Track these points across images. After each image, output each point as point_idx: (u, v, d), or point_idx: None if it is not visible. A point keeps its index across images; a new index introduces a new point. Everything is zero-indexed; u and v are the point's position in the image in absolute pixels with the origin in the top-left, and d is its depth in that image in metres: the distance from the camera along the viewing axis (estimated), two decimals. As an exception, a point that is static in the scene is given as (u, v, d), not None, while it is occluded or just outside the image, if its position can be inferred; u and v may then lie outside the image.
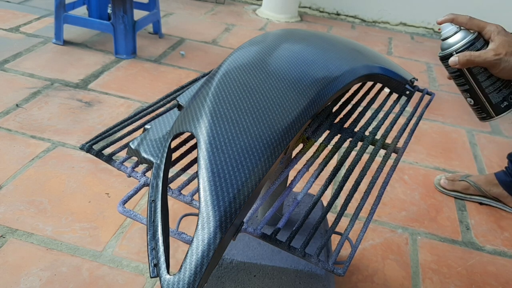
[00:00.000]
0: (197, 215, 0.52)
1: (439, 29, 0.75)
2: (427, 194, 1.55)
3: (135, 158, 0.65)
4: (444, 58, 0.74)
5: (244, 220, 0.56)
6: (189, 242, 0.51)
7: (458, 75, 0.74)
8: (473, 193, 1.53)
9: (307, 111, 0.65)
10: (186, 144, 0.71)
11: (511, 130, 2.05)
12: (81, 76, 2.04)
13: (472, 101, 0.75)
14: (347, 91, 0.84)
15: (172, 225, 0.61)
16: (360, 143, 0.77)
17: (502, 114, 0.75)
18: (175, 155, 0.67)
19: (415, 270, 1.25)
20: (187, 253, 0.46)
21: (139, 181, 0.62)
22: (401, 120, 1.88)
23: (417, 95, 0.97)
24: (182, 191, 0.62)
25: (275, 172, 0.77)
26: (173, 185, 1.24)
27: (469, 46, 0.70)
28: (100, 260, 1.16)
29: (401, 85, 0.92)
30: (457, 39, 0.72)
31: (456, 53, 0.71)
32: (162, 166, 0.55)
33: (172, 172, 1.20)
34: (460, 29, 0.73)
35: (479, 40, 0.71)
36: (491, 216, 1.49)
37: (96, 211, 1.31)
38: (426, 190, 1.57)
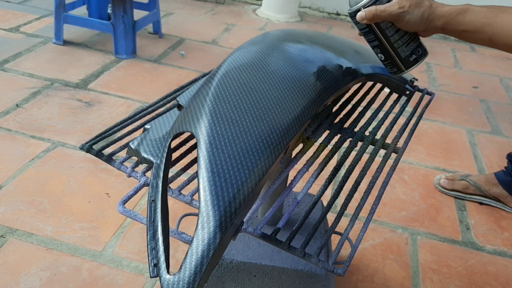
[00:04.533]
0: (197, 215, 0.52)
1: None
2: (427, 194, 1.55)
3: (135, 158, 0.65)
4: (353, 14, 0.73)
5: (244, 220, 0.56)
6: (189, 242, 0.51)
7: (367, 31, 0.74)
8: (473, 192, 1.53)
9: (307, 111, 0.65)
10: (186, 144, 0.71)
11: (511, 130, 2.05)
12: (81, 76, 2.04)
13: (383, 56, 0.76)
14: (347, 91, 0.84)
15: (172, 225, 0.61)
16: (360, 143, 0.77)
17: (411, 68, 0.76)
18: (175, 155, 0.67)
19: (415, 270, 1.25)
20: (187, 253, 0.46)
21: (139, 181, 0.62)
22: (401, 120, 1.88)
23: (417, 95, 0.97)
24: (182, 191, 0.62)
25: (275, 172, 0.77)
26: (173, 185, 1.24)
27: (376, 1, 0.70)
28: (100, 260, 1.16)
29: (401, 85, 0.92)
30: None
31: (364, 8, 0.71)
32: (162, 166, 0.55)
33: (172, 172, 1.20)
34: None
35: None
36: (491, 216, 1.49)
37: (96, 211, 1.31)
38: (426, 190, 1.57)
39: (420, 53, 0.75)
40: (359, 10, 0.72)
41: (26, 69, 2.02)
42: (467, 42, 0.78)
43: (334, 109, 0.82)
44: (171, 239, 0.52)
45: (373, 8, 0.70)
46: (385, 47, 0.74)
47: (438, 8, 0.70)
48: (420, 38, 0.75)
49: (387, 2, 0.70)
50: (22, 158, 1.48)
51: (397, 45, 0.73)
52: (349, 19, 3.34)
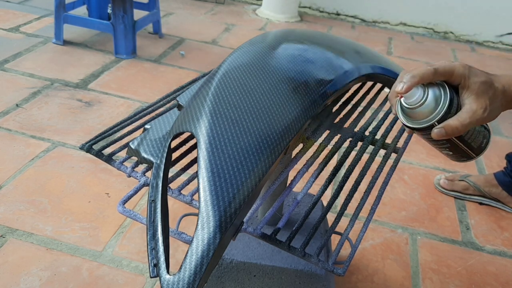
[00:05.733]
0: (197, 215, 0.52)
1: (400, 96, 0.59)
2: (427, 194, 1.55)
3: (135, 158, 0.65)
4: (423, 130, 0.60)
5: (244, 220, 0.56)
6: (189, 242, 0.51)
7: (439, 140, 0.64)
8: (473, 193, 1.53)
9: (307, 111, 0.65)
10: (186, 144, 0.71)
11: (511, 130, 2.05)
12: (81, 76, 2.04)
13: (451, 152, 0.67)
14: (347, 91, 0.84)
15: (172, 225, 0.61)
16: (360, 143, 0.77)
17: (482, 153, 0.68)
18: (175, 155, 0.67)
19: (415, 270, 1.25)
20: (187, 253, 0.46)
21: (139, 181, 0.62)
22: (401, 120, 1.88)
23: (417, 95, 0.96)
24: (182, 191, 0.62)
25: (275, 172, 0.77)
26: (173, 185, 1.23)
27: (449, 111, 0.58)
28: (100, 260, 1.16)
29: (401, 85, 0.92)
30: (432, 105, 0.58)
31: (438, 123, 0.58)
32: (162, 166, 0.55)
33: (172, 172, 1.20)
34: (427, 90, 0.59)
35: (453, 94, 0.59)
36: (491, 216, 1.49)
37: (96, 211, 1.31)
38: (426, 190, 1.57)
39: (488, 135, 0.66)
40: (432, 125, 0.58)
41: (26, 69, 2.02)
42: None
43: (334, 109, 0.82)
44: (171, 239, 0.52)
45: (455, 124, 0.57)
46: (457, 145, 0.64)
47: (510, 89, 0.60)
48: None
49: (457, 108, 0.58)
50: (22, 158, 1.48)
51: (470, 141, 0.64)
52: (349, 19, 3.34)
